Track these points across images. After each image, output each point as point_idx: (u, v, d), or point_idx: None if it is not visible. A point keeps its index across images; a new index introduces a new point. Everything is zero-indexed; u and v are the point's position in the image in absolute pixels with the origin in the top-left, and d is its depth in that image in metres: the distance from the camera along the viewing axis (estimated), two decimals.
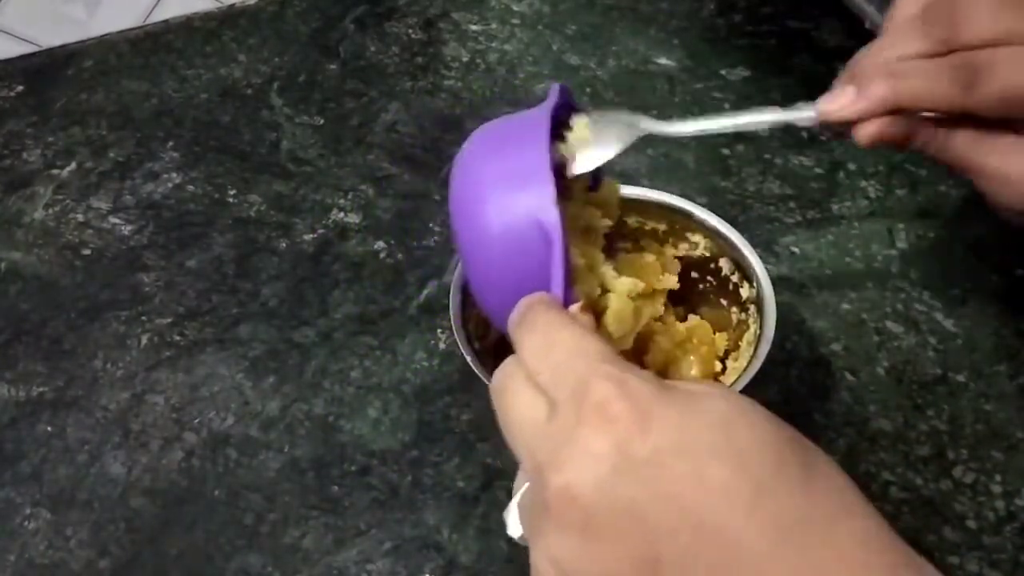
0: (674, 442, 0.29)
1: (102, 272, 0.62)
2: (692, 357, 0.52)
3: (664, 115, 0.67)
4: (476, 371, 0.46)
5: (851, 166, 0.64)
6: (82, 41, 0.74)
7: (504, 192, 0.38)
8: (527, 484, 0.34)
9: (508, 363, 0.35)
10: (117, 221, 0.64)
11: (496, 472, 0.53)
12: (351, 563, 0.50)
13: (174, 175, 0.66)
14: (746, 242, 0.51)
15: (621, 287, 0.43)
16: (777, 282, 0.50)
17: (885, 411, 0.54)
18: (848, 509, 0.29)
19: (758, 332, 0.48)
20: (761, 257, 0.50)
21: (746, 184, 0.64)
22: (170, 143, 0.68)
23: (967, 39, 0.42)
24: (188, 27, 0.75)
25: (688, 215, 0.52)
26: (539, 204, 0.37)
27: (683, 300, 0.54)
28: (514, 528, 0.35)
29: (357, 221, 0.63)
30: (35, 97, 0.71)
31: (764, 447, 0.30)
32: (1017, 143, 0.43)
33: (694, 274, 0.53)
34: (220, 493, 0.53)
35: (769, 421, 0.31)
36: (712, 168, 0.65)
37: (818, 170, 0.64)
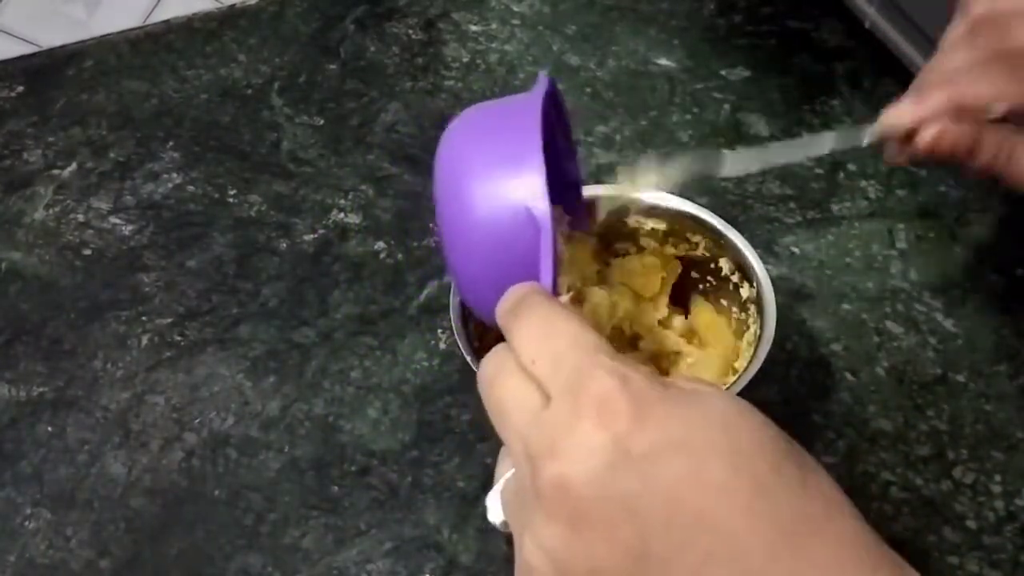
0: (673, 439, 0.30)
1: (102, 272, 0.62)
2: (711, 350, 0.52)
3: (664, 115, 0.67)
4: (476, 371, 0.46)
5: (851, 166, 0.64)
6: (82, 41, 0.74)
7: (494, 176, 0.38)
8: (512, 471, 0.34)
9: (498, 350, 0.35)
10: (117, 221, 0.64)
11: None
12: (351, 563, 0.50)
13: (174, 175, 0.66)
14: (746, 242, 0.51)
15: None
16: (777, 282, 0.50)
17: (885, 411, 0.54)
18: (840, 510, 0.30)
19: (758, 332, 0.48)
20: (761, 257, 0.50)
21: (746, 184, 0.64)
22: (170, 143, 0.68)
23: (1016, 44, 0.44)
24: (188, 27, 0.75)
25: (688, 215, 0.52)
26: (531, 192, 0.37)
27: (683, 300, 0.54)
28: (495, 514, 0.35)
29: (357, 221, 0.63)
30: (35, 97, 0.71)
31: (763, 448, 0.30)
32: None
33: (694, 274, 0.53)
34: (220, 493, 0.53)
35: (766, 424, 0.31)
36: None
37: (818, 170, 0.64)
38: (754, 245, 0.51)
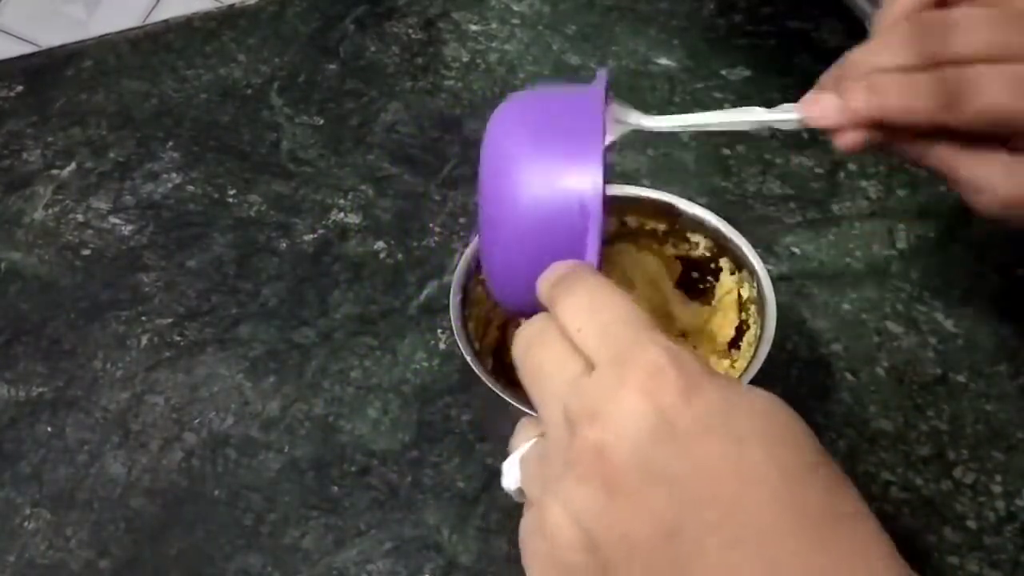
0: (717, 418, 0.30)
1: (102, 272, 0.62)
2: (711, 350, 0.52)
3: (664, 115, 0.67)
4: (476, 371, 0.46)
5: (851, 166, 0.64)
6: (82, 41, 0.74)
7: (552, 160, 0.39)
8: (534, 440, 0.34)
9: (539, 318, 0.35)
10: (117, 221, 0.64)
11: (496, 472, 0.52)
12: (351, 563, 0.50)
13: (174, 175, 0.66)
14: (746, 242, 0.51)
15: None
16: (777, 282, 0.50)
17: (885, 411, 0.54)
18: (866, 516, 0.30)
19: (758, 332, 0.48)
20: (761, 257, 0.50)
21: (746, 184, 0.64)
22: (170, 143, 0.68)
23: (958, 51, 0.42)
24: (188, 27, 0.75)
25: (688, 215, 0.52)
26: (590, 182, 0.38)
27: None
28: (511, 480, 0.35)
29: (357, 221, 0.63)
30: (35, 97, 0.71)
31: (799, 442, 0.31)
32: (991, 155, 0.44)
33: (694, 274, 0.53)
34: (220, 493, 0.53)
35: (801, 421, 0.32)
36: (712, 168, 0.65)
37: (818, 170, 0.64)
38: (754, 245, 0.51)
